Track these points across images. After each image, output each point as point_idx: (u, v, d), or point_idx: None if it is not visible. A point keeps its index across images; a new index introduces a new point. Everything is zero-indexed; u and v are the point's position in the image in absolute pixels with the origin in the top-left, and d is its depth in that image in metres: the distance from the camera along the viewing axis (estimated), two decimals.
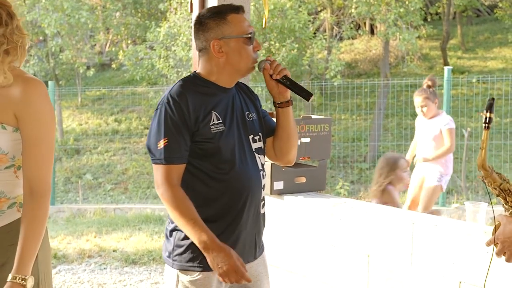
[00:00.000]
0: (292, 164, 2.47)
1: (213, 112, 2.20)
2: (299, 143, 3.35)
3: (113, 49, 16.33)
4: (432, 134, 5.54)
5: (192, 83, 2.26)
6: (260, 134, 2.34)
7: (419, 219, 2.80)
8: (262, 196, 2.33)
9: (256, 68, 2.31)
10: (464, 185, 9.13)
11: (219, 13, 2.24)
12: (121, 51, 13.50)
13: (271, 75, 2.28)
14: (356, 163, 10.90)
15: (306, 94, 2.29)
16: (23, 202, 1.96)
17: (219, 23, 2.22)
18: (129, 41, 15.95)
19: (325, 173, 3.50)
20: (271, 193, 3.30)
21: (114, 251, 6.24)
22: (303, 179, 3.40)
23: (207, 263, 2.14)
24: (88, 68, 13.80)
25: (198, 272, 2.19)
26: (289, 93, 2.31)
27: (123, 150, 12.27)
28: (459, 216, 7.91)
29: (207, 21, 2.24)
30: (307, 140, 3.39)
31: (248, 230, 2.27)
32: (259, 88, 10.31)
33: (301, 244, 3.27)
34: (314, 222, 3.19)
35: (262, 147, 2.35)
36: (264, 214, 2.37)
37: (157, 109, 2.21)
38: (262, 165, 2.33)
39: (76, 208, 8.92)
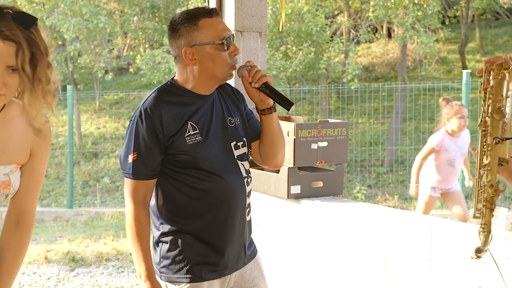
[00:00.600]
0: (279, 168, 2.45)
1: (189, 123, 2.12)
2: (316, 147, 3.34)
3: (131, 53, 16.45)
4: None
5: (168, 92, 2.16)
6: (244, 139, 2.25)
7: (438, 224, 2.77)
8: (248, 203, 2.25)
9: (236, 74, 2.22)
10: None
11: (191, 18, 2.13)
12: (138, 55, 13.57)
13: (250, 83, 2.17)
14: (373, 167, 10.83)
15: (286, 104, 2.16)
16: (4, 229, 1.91)
17: (190, 29, 2.12)
18: (146, 45, 16.04)
19: (343, 177, 3.49)
20: (288, 197, 3.30)
21: (131, 254, 6.26)
22: (320, 183, 3.39)
23: (195, 273, 2.15)
24: (106, 72, 13.90)
25: (185, 283, 2.16)
26: (271, 100, 2.19)
27: None
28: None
29: (178, 27, 2.14)
30: (324, 144, 3.38)
31: (235, 239, 2.22)
32: None
33: (318, 249, 3.25)
34: (331, 227, 3.18)
35: (246, 153, 2.26)
36: (250, 221, 2.30)
37: (130, 120, 2.14)
38: (247, 171, 2.25)
39: (94, 211, 8.98)
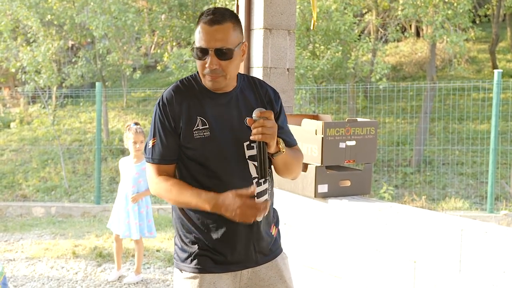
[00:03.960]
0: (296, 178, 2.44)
1: (199, 117, 2.16)
2: (344, 146, 3.31)
3: (158, 51, 16.54)
4: None
5: (187, 84, 2.23)
6: None
7: (468, 225, 2.72)
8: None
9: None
10: None
11: (198, 18, 2.18)
12: (166, 53, 13.65)
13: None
14: (400, 167, 10.73)
15: (258, 171, 2.14)
16: None
17: (196, 29, 2.19)
18: (174, 43, 16.13)
19: (371, 176, 3.45)
20: (315, 196, 3.27)
21: (157, 251, 6.30)
22: (348, 183, 3.36)
23: (199, 265, 2.20)
24: (134, 70, 14.00)
25: (189, 272, 2.23)
26: (274, 145, 2.14)
27: None
28: (508, 223, 7.71)
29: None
30: (353, 143, 3.34)
31: (242, 237, 2.22)
32: (303, 91, 10.27)
33: (345, 249, 3.23)
34: (359, 226, 3.15)
35: None
36: (263, 220, 2.26)
37: (154, 107, 2.25)
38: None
39: None
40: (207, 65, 2.13)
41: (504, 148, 10.24)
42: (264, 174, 2.14)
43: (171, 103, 2.17)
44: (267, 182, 2.28)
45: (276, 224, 2.40)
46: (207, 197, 2.10)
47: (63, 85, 13.64)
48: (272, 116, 2.10)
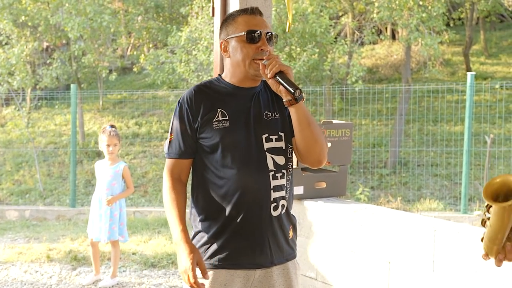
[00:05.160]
0: (322, 165, 2.35)
1: (219, 109, 2.24)
2: (329, 145, 3.32)
3: (135, 53, 16.44)
4: None
5: (207, 83, 2.33)
6: (281, 134, 2.27)
7: (441, 226, 2.76)
8: (273, 198, 2.23)
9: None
10: None
11: (232, 15, 2.32)
12: (142, 55, 13.58)
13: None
14: (376, 169, 10.82)
15: (292, 87, 2.15)
16: None
17: (228, 24, 2.30)
18: (150, 45, 16.05)
19: (346, 178, 3.47)
20: None
21: (133, 254, 6.26)
22: (323, 184, 3.38)
23: (214, 260, 2.23)
24: (110, 71, 13.90)
25: (207, 269, 2.22)
26: (286, 93, 2.18)
27: (143, 154, 12.33)
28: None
29: (222, 24, 2.34)
30: (328, 145, 3.36)
31: (255, 231, 2.23)
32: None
33: (321, 250, 3.24)
34: (334, 228, 3.17)
35: (283, 147, 2.26)
36: (279, 216, 2.27)
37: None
38: (279, 165, 2.24)
39: None
40: (259, 47, 2.23)
41: (477, 150, 10.38)
42: (296, 86, 2.16)
43: (191, 100, 2.25)
44: (284, 177, 2.26)
45: (294, 228, 2.38)
46: (177, 236, 2.20)
47: (38, 87, 13.47)
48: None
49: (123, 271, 5.78)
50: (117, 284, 5.43)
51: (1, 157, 12.35)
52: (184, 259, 2.17)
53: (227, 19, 2.33)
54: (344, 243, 3.11)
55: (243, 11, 2.30)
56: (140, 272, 5.76)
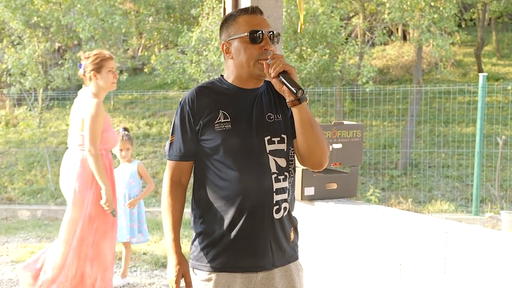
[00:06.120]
0: (323, 168, 2.34)
1: (221, 111, 2.21)
2: (330, 149, 3.32)
3: (146, 53, 16.49)
4: None
5: (209, 85, 2.31)
6: (283, 136, 2.25)
7: (453, 228, 2.74)
8: (275, 200, 2.21)
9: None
10: (498, 194, 8.95)
11: (232, 15, 2.28)
12: (153, 55, 13.62)
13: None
14: (387, 170, 10.78)
15: (295, 87, 2.11)
16: None
17: (229, 25, 2.27)
18: (161, 46, 16.08)
19: (357, 179, 3.47)
20: (301, 199, 3.28)
21: (144, 254, 6.27)
22: (334, 185, 3.37)
23: (214, 264, 2.22)
24: (121, 72, 13.95)
25: (205, 272, 2.23)
26: (289, 93, 2.15)
27: (153, 154, 12.36)
28: (493, 225, 7.76)
29: (222, 25, 2.31)
30: (339, 146, 3.36)
31: (257, 234, 2.21)
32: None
33: (332, 251, 3.24)
34: (345, 229, 3.16)
35: (285, 150, 2.25)
36: (281, 219, 2.25)
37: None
38: (281, 168, 2.23)
39: None
40: (263, 47, 2.21)
41: (489, 151, 10.32)
42: (298, 86, 2.13)
43: (193, 102, 2.23)
44: (287, 180, 2.25)
45: (295, 230, 2.37)
46: (168, 245, 2.24)
47: (49, 87, 13.55)
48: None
49: (134, 271, 5.80)
50: (128, 284, 5.44)
51: (13, 157, 12.43)
52: (170, 270, 2.21)
53: (227, 20, 2.30)
54: (354, 244, 3.10)
55: (243, 11, 2.27)
56: (151, 272, 5.78)
